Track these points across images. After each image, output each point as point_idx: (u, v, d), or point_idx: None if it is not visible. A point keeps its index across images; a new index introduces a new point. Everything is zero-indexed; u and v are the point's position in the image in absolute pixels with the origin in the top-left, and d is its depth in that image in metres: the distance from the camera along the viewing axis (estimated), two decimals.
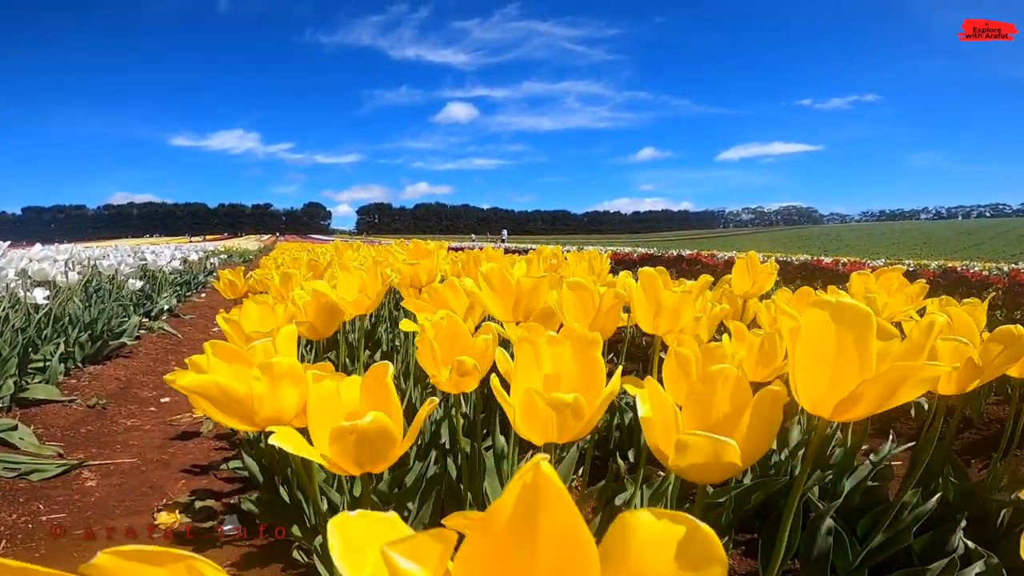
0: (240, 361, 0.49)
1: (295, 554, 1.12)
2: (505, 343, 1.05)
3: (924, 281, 1.07)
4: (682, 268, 7.07)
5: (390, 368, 0.46)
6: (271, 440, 0.40)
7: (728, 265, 6.57)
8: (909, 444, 1.24)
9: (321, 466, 0.44)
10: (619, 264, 8.13)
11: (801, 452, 1.15)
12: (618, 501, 1.08)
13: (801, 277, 5.99)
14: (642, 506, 0.94)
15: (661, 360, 0.73)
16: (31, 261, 2.56)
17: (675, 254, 9.50)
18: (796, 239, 51.03)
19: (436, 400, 0.45)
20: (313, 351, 1.73)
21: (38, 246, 3.00)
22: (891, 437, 1.15)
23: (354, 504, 1.01)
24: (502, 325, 0.80)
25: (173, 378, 0.44)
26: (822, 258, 9.86)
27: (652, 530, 0.16)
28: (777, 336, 0.88)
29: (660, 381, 0.72)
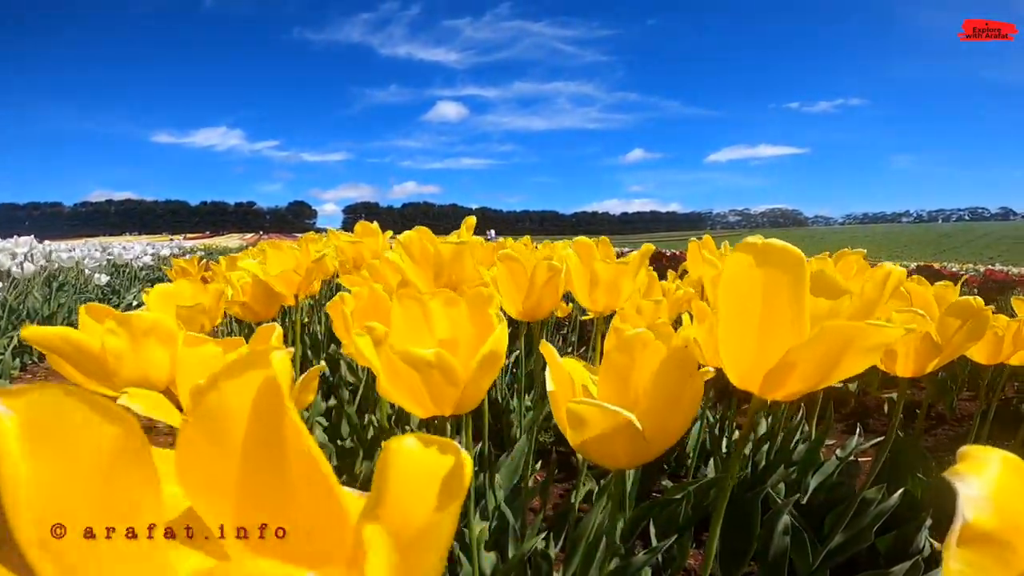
0: (115, 320, 0.42)
1: None
2: None
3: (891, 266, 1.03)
4: (662, 264, 7.07)
5: (277, 329, 0.40)
6: (120, 401, 0.34)
7: None
8: (878, 439, 1.20)
9: None
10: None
11: (766, 447, 1.11)
12: (574, 498, 1.03)
13: None
14: (599, 503, 0.88)
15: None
16: None
17: (657, 251, 9.57)
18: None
19: (322, 366, 0.40)
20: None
21: None
22: (859, 432, 1.11)
23: None
24: None
25: (24, 333, 0.38)
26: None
27: (416, 459, 0.13)
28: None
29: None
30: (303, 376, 0.37)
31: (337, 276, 1.34)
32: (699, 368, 0.38)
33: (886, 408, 1.78)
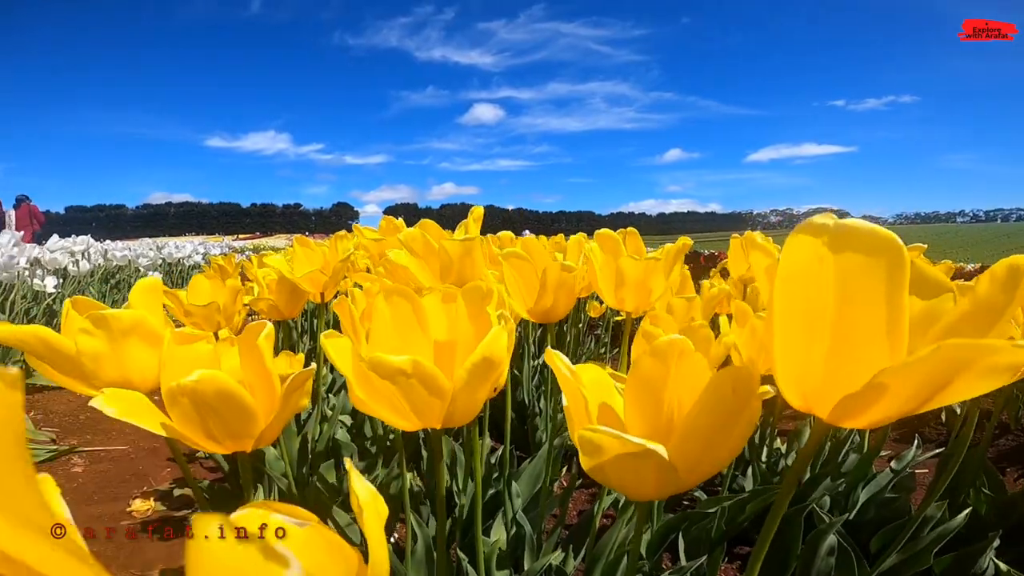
0: (96, 317, 0.41)
1: None
2: None
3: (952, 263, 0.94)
4: (700, 264, 6.86)
5: (267, 327, 0.38)
6: (92, 402, 0.32)
7: None
8: (937, 451, 1.11)
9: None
10: None
11: (817, 459, 1.03)
12: (598, 507, 0.98)
13: None
14: (624, 514, 0.83)
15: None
16: (46, 251, 2.59)
17: (694, 252, 9.31)
18: None
19: (312, 369, 0.37)
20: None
21: (55, 237, 3.05)
22: (916, 442, 1.02)
23: (302, 493, 0.94)
24: None
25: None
26: None
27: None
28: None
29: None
30: (292, 378, 0.35)
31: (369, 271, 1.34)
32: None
33: (943, 416, 1.65)
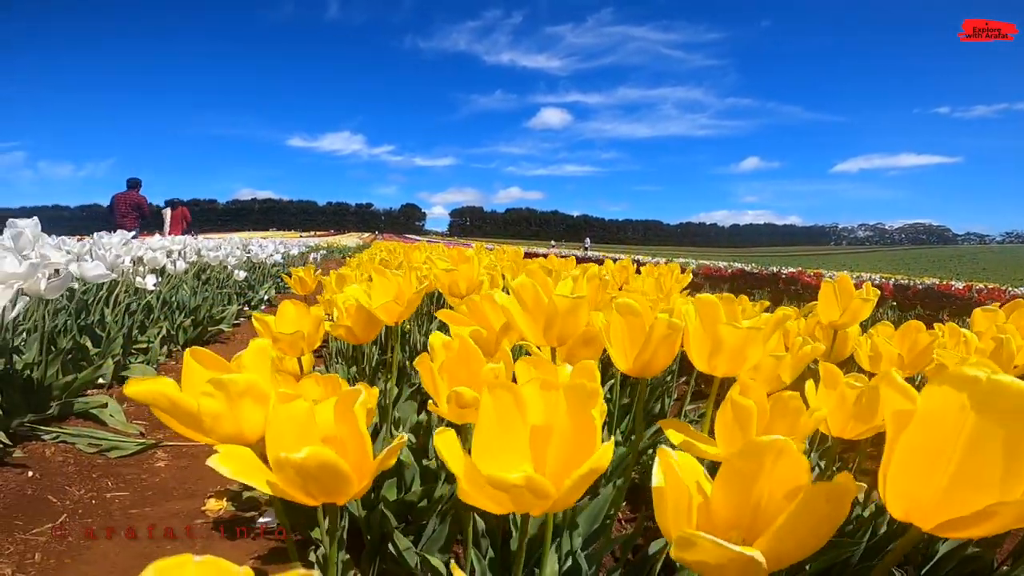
0: (220, 368, 0.45)
1: (312, 556, 1.11)
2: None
3: None
4: (778, 288, 6.48)
5: (361, 394, 0.40)
6: (210, 462, 0.35)
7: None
8: None
9: None
10: (707, 279, 7.60)
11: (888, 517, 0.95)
12: (652, 549, 0.96)
13: (922, 304, 5.25)
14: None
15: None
16: (147, 249, 2.83)
17: (772, 271, 8.81)
18: (922, 260, 45.80)
19: (405, 437, 0.39)
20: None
21: (157, 236, 3.33)
22: None
23: (367, 516, 0.97)
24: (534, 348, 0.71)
25: (133, 384, 0.41)
26: (952, 282, 8.71)
27: None
28: (882, 388, 0.72)
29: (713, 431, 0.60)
30: (386, 452, 0.36)
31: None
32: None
33: None
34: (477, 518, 0.91)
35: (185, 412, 0.40)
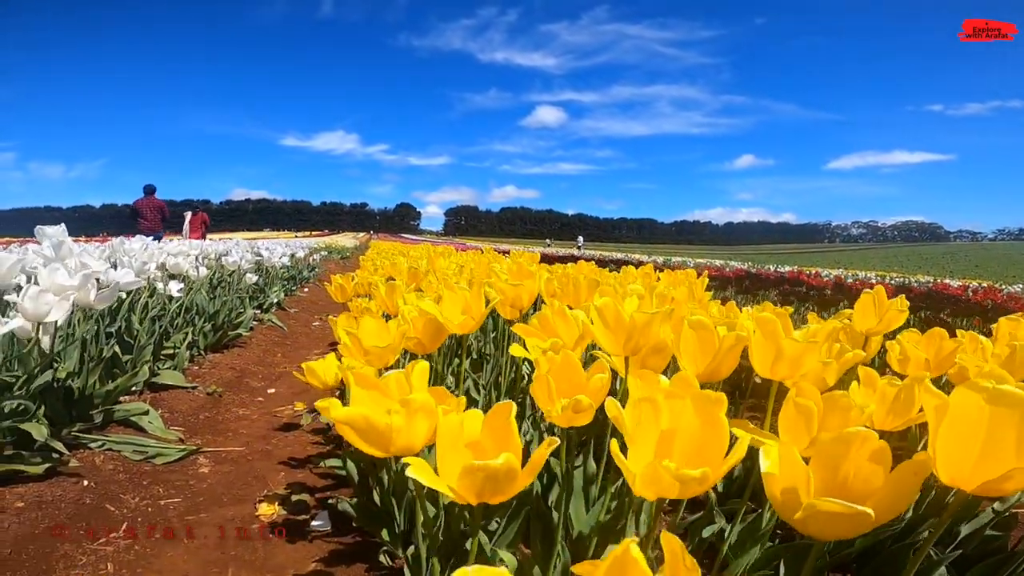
0: (375, 388, 0.52)
1: (381, 557, 1.15)
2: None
3: None
4: (784, 289, 6.59)
5: (513, 408, 0.46)
6: (407, 472, 0.42)
7: (839, 287, 6.04)
8: None
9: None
10: (712, 281, 7.72)
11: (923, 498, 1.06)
12: (705, 533, 1.04)
13: (926, 306, 5.36)
14: (733, 542, 0.96)
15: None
16: (168, 255, 2.87)
17: (774, 270, 8.91)
18: (915, 257, 46.17)
19: (556, 440, 0.45)
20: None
21: (177, 239, 3.36)
22: None
23: (447, 516, 1.02)
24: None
25: (327, 406, 0.48)
26: (948, 282, 8.86)
27: None
28: (915, 387, 0.81)
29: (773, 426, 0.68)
30: (538, 453, 0.42)
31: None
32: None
33: None
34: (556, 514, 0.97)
35: (376, 430, 0.46)
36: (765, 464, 0.45)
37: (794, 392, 0.67)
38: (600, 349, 0.81)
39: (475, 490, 0.43)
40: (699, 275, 1.99)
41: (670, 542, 0.41)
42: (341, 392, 1.60)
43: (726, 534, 0.98)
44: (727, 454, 0.44)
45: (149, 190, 6.68)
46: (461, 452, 0.46)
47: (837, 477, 0.47)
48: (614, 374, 0.98)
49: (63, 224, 1.98)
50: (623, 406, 0.47)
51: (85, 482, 1.44)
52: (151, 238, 3.07)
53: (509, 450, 0.45)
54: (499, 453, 0.46)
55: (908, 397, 0.83)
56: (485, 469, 0.41)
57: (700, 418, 0.45)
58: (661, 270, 2.51)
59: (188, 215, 7.99)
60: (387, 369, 0.80)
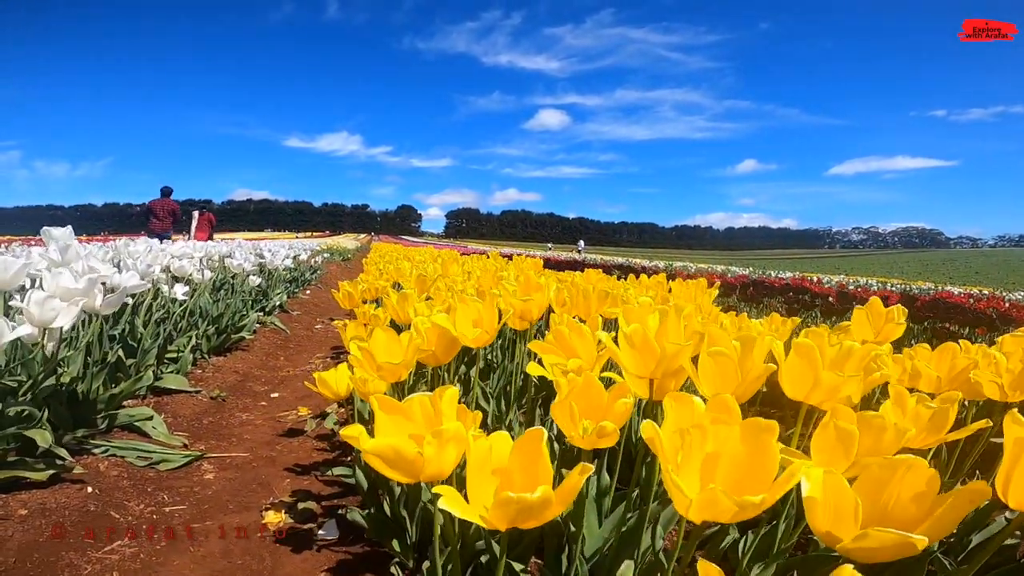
0: (400, 413, 0.51)
1: (393, 569, 1.14)
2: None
3: None
4: (789, 296, 6.59)
5: (544, 435, 0.45)
6: (440, 504, 0.43)
7: (841, 296, 6.02)
8: None
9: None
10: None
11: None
12: (723, 544, 1.03)
13: (932, 315, 5.34)
14: (747, 552, 0.96)
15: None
16: (172, 258, 2.86)
17: (777, 276, 8.90)
18: (916, 264, 46.16)
19: (590, 468, 0.44)
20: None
21: (181, 241, 3.35)
22: None
23: (461, 527, 1.01)
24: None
25: (355, 435, 0.47)
26: (950, 289, 8.84)
27: None
28: (950, 408, 0.81)
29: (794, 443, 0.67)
30: (569, 479, 0.42)
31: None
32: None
33: None
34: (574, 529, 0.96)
35: (406, 459, 0.46)
36: (807, 488, 0.45)
37: (831, 415, 0.66)
38: (614, 368, 0.80)
39: (508, 519, 0.43)
40: (710, 284, 1.98)
41: (708, 572, 0.41)
42: (349, 400, 1.59)
43: (741, 545, 0.98)
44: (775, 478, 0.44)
45: (166, 192, 6.84)
46: (490, 479, 0.46)
47: (879, 501, 0.48)
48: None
49: (69, 226, 1.97)
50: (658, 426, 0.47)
51: (89, 489, 1.43)
52: (158, 238, 3.07)
53: (539, 476, 0.45)
54: (528, 479, 0.46)
55: (943, 418, 0.83)
56: (520, 502, 0.40)
57: (747, 444, 0.45)
58: (672, 278, 2.50)
59: (195, 215, 8.06)
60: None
